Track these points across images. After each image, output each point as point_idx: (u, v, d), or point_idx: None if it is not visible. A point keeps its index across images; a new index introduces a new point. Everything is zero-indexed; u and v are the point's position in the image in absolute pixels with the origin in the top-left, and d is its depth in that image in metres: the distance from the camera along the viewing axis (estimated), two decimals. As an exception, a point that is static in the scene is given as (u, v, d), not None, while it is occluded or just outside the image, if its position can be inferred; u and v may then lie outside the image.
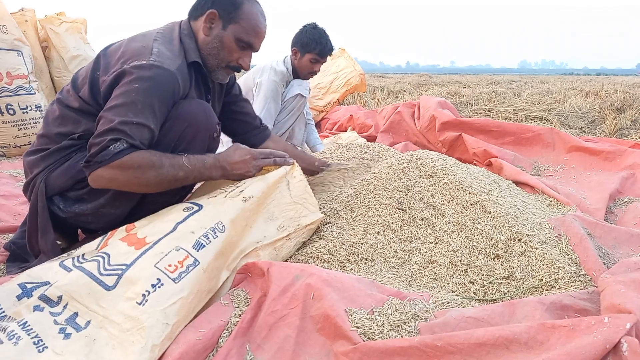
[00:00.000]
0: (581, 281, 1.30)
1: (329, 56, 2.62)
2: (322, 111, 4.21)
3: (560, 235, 1.52)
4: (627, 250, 1.49)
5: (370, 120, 3.66)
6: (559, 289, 1.28)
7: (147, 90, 1.29)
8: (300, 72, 2.61)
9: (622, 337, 0.81)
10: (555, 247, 1.45)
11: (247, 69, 1.64)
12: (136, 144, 1.28)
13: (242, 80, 2.60)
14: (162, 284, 1.06)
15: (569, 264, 1.36)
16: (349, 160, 2.09)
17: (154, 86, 1.31)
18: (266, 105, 2.44)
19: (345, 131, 3.65)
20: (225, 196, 1.35)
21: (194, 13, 1.53)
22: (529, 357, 0.87)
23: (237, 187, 1.39)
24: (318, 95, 4.19)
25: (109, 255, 1.14)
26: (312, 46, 2.52)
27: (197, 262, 1.13)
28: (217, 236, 1.21)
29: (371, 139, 3.36)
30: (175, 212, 1.28)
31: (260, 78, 2.49)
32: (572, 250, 1.44)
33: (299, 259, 1.45)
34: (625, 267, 1.25)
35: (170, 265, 1.10)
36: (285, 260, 1.43)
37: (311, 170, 1.97)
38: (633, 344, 0.79)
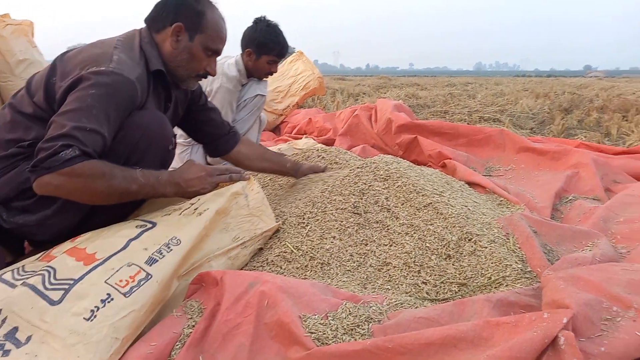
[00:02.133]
0: (527, 278, 1.35)
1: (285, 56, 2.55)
2: (281, 115, 4.21)
3: (508, 234, 1.58)
4: (570, 246, 1.56)
5: (329, 124, 3.69)
6: (506, 286, 1.33)
7: (103, 97, 1.26)
8: (256, 74, 2.49)
9: (559, 331, 0.85)
10: (503, 246, 1.51)
11: (214, 74, 1.64)
12: (88, 151, 1.24)
13: None
14: (112, 299, 1.04)
15: (516, 262, 1.41)
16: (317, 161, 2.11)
17: (111, 93, 1.28)
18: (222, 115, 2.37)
19: (303, 135, 3.67)
20: (180, 214, 1.34)
21: (155, 25, 1.50)
22: (475, 354, 0.90)
23: (192, 204, 1.38)
24: (277, 99, 4.19)
25: (54, 270, 1.10)
26: (270, 47, 2.38)
27: (150, 276, 1.12)
28: (171, 249, 1.20)
29: (330, 142, 3.39)
30: (127, 229, 1.26)
31: (211, 85, 2.37)
32: (519, 248, 1.50)
33: (254, 267, 1.45)
34: (567, 263, 1.32)
35: (121, 281, 1.08)
36: (241, 269, 1.43)
37: (283, 172, 2.01)
38: (569, 338, 0.83)
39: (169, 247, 1.20)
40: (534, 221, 1.65)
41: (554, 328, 0.85)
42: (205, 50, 1.52)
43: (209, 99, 2.37)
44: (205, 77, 1.63)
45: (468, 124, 4.89)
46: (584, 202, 2.11)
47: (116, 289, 1.07)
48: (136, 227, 1.27)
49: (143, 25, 1.55)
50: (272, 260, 1.45)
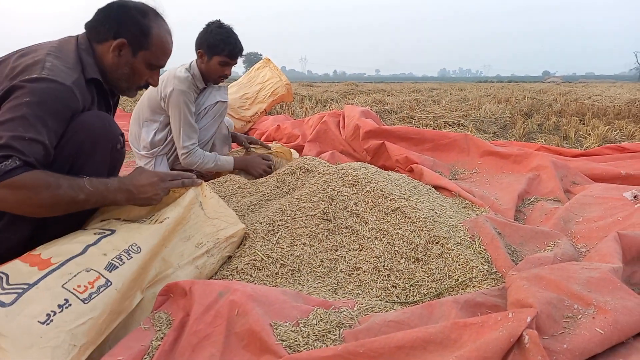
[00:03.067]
0: (493, 278, 1.39)
1: (240, 57, 2.45)
2: (249, 121, 4.19)
3: (474, 236, 1.61)
4: (533, 247, 1.61)
5: (298, 130, 3.70)
6: (473, 287, 1.36)
7: (39, 105, 1.21)
8: (209, 77, 2.42)
9: (523, 330, 0.88)
10: (469, 248, 1.54)
11: (155, 86, 1.62)
12: (30, 161, 1.18)
13: (147, 95, 2.45)
14: (70, 305, 1.01)
15: (482, 263, 1.45)
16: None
17: (46, 100, 1.23)
18: (182, 121, 2.29)
19: (272, 141, 3.66)
20: (139, 223, 1.31)
21: (97, 36, 1.45)
22: (444, 355, 0.92)
23: (152, 215, 1.36)
24: (245, 106, 4.17)
25: (7, 275, 1.05)
26: (221, 47, 2.32)
27: (110, 283, 1.09)
28: (131, 257, 1.17)
29: (299, 148, 3.39)
30: (84, 235, 1.22)
31: (164, 91, 2.30)
32: (484, 249, 1.54)
33: (224, 275, 1.43)
34: (530, 264, 1.36)
35: (79, 286, 1.05)
36: (210, 278, 1.41)
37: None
38: (533, 336, 0.86)
39: (129, 254, 1.17)
40: (498, 223, 1.69)
41: (519, 327, 0.88)
42: (148, 66, 1.49)
43: (165, 105, 2.34)
44: (147, 88, 1.61)
45: (434, 129, 5.00)
46: (545, 203, 2.18)
47: (74, 294, 1.03)
48: (94, 233, 1.23)
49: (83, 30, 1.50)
50: (242, 269, 1.44)
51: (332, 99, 8.97)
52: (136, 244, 1.21)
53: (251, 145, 2.78)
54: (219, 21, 2.41)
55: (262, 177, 2.37)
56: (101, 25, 1.44)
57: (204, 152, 2.39)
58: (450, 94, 9.99)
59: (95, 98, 1.43)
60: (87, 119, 1.33)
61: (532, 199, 2.29)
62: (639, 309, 0.99)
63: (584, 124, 5.36)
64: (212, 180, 2.29)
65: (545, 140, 4.28)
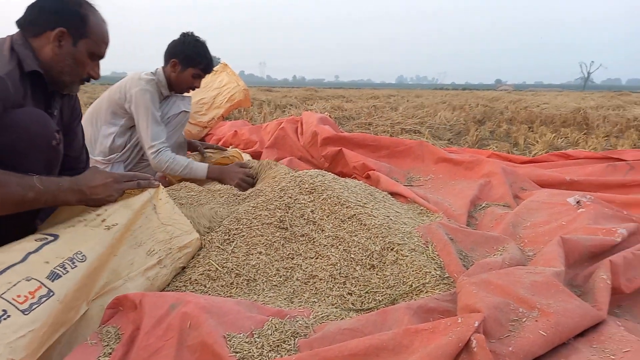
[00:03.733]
0: (445, 284, 1.43)
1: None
2: (206, 127, 4.12)
3: (427, 242, 1.65)
4: (483, 251, 1.67)
5: (255, 136, 3.67)
6: (426, 292, 1.39)
7: None
8: (178, 86, 2.42)
9: (471, 334, 0.90)
10: (423, 254, 1.57)
11: (97, 78, 1.57)
12: None
13: (106, 98, 2.38)
14: (9, 316, 0.96)
15: (435, 269, 1.48)
16: None
17: None
18: (149, 119, 2.23)
19: (229, 147, 3.62)
20: (85, 225, 1.26)
21: (32, 30, 1.40)
22: (396, 362, 0.94)
23: (98, 215, 1.30)
24: (201, 111, 4.10)
25: None
26: (198, 60, 2.35)
27: (52, 293, 1.04)
28: (76, 266, 1.12)
29: (256, 154, 3.37)
30: (25, 242, 1.16)
31: (130, 92, 2.25)
32: (437, 255, 1.57)
33: (177, 287, 1.40)
34: (479, 268, 1.41)
35: (19, 296, 1.00)
36: (162, 290, 1.37)
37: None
38: (480, 340, 0.89)
39: (73, 263, 1.12)
40: (451, 229, 1.74)
41: (467, 332, 0.90)
42: (90, 55, 1.46)
43: (131, 107, 2.27)
44: (89, 81, 1.56)
45: (391, 135, 5.10)
46: (496, 208, 2.26)
47: (13, 304, 0.98)
48: (35, 240, 1.17)
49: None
50: (196, 279, 1.42)
51: (291, 104, 8.98)
52: (81, 252, 1.16)
53: (207, 150, 2.74)
54: (194, 34, 2.42)
55: (240, 187, 2.32)
56: (37, 19, 1.40)
57: (175, 155, 2.33)
58: (408, 100, 10.22)
59: (29, 93, 1.36)
60: (20, 116, 1.27)
61: (483, 205, 2.36)
62: (579, 310, 1.05)
63: (532, 131, 5.60)
64: (167, 188, 2.24)
65: (496, 147, 4.44)
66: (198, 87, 2.46)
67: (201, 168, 2.34)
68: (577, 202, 2.06)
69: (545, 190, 2.46)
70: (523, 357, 0.92)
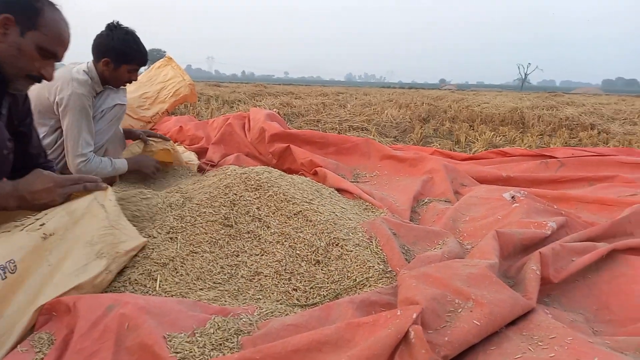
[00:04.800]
0: (388, 277, 1.46)
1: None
2: (150, 122, 3.98)
3: (371, 237, 1.68)
4: (424, 245, 1.72)
5: (201, 132, 3.60)
6: (369, 286, 1.42)
7: None
8: (114, 83, 2.30)
9: (410, 326, 0.93)
10: (367, 249, 1.61)
11: (50, 80, 1.47)
12: None
13: (35, 96, 2.22)
14: None
15: (378, 263, 1.52)
16: None
17: None
18: (82, 126, 2.12)
19: (174, 143, 3.53)
20: (22, 229, 1.19)
21: None
22: (338, 355, 0.95)
23: (37, 219, 1.24)
24: (144, 106, 3.95)
25: None
26: (132, 56, 2.23)
27: None
28: (5, 277, 1.06)
29: (202, 151, 3.31)
30: None
31: (61, 94, 2.10)
32: (380, 250, 1.61)
33: (116, 287, 1.35)
34: (420, 262, 1.45)
35: None
36: (103, 291, 1.32)
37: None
38: (418, 331, 0.92)
39: (4, 272, 1.06)
40: (394, 224, 1.78)
41: (405, 324, 0.93)
42: (38, 49, 1.36)
43: (60, 109, 2.13)
44: (39, 81, 1.45)
45: (339, 132, 5.15)
46: (438, 204, 2.34)
47: None
48: None
49: None
50: (136, 279, 1.37)
51: (239, 100, 8.86)
52: (13, 261, 1.10)
53: (150, 139, 2.65)
54: (121, 26, 2.27)
55: (154, 174, 2.47)
56: None
57: (100, 158, 2.23)
58: (356, 98, 10.34)
59: None
60: None
61: (425, 200, 2.44)
62: (510, 300, 1.11)
63: (473, 129, 5.83)
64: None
65: (439, 145, 4.60)
66: (135, 79, 2.35)
67: (122, 164, 2.31)
68: (512, 197, 2.17)
69: (483, 186, 2.57)
70: (458, 346, 0.97)
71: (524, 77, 70.00)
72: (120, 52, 2.18)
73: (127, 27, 2.25)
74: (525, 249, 1.64)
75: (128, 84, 2.38)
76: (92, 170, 2.16)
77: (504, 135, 5.34)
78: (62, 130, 2.20)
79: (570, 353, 0.95)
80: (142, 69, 2.50)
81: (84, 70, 2.19)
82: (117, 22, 2.26)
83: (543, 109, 7.49)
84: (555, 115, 6.60)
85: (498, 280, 1.18)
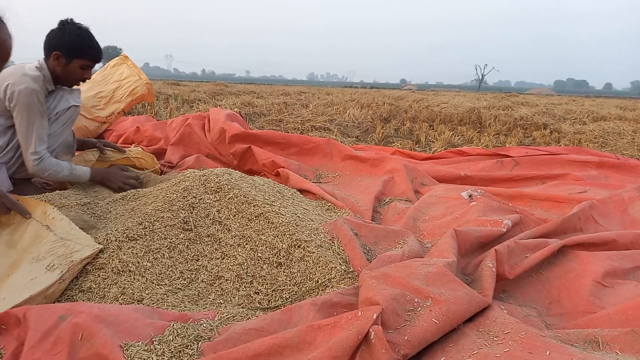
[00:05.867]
0: (350, 278, 1.47)
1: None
2: (105, 122, 3.84)
3: (333, 237, 1.69)
4: (385, 245, 1.74)
5: (160, 133, 3.51)
6: (332, 287, 1.42)
7: None
8: (66, 80, 2.20)
9: (370, 326, 0.94)
10: (329, 250, 1.61)
11: None
12: None
13: None
14: None
15: (340, 264, 1.53)
16: None
17: None
18: (35, 122, 2.02)
19: (131, 144, 3.43)
20: None
21: None
22: (299, 359, 0.95)
23: None
24: (99, 105, 3.80)
25: None
26: (84, 51, 2.13)
27: None
28: None
29: (161, 152, 3.22)
30: None
31: (12, 88, 2.00)
32: (342, 250, 1.62)
33: (69, 296, 1.30)
34: (381, 262, 1.47)
35: None
36: (56, 301, 1.27)
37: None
38: (378, 332, 0.93)
39: None
40: (355, 224, 1.80)
41: (366, 324, 0.94)
42: None
43: (12, 104, 2.03)
44: None
45: (301, 132, 5.15)
46: (398, 203, 2.37)
47: None
48: None
49: None
50: (90, 287, 1.32)
51: (199, 100, 8.71)
52: None
53: (107, 149, 2.56)
54: (74, 21, 2.18)
55: (122, 190, 2.23)
56: None
57: (57, 160, 2.14)
58: (318, 97, 10.36)
59: None
60: None
61: (387, 200, 2.47)
62: (467, 298, 1.14)
63: (433, 129, 5.96)
64: (57, 192, 2.06)
65: (400, 144, 4.67)
66: (89, 77, 2.25)
67: (84, 172, 2.22)
68: (470, 196, 2.23)
69: (442, 185, 2.63)
70: (417, 344, 0.98)
71: (481, 77, 72.09)
72: (72, 46, 2.09)
73: (80, 24, 2.17)
74: (482, 247, 1.69)
75: (82, 83, 2.28)
76: (45, 169, 2.07)
77: (462, 135, 5.48)
78: (14, 131, 2.10)
79: (524, 347, 0.98)
80: (96, 66, 2.41)
81: (35, 67, 2.09)
82: (70, 19, 2.17)
83: (499, 109, 7.73)
84: (510, 115, 6.82)
85: (455, 278, 1.21)
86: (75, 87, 2.30)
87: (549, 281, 1.51)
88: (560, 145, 4.92)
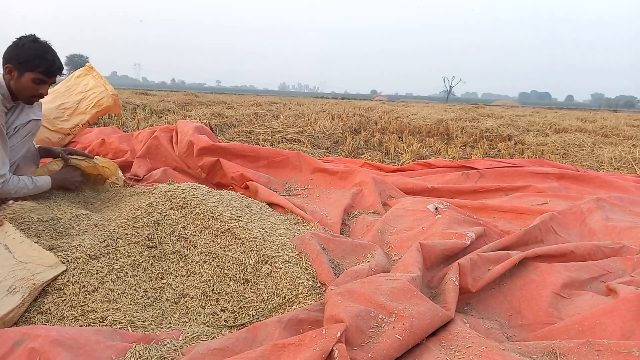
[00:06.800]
0: (317, 293, 1.47)
1: (59, 75, 2.16)
2: (69, 134, 3.76)
3: (301, 252, 1.69)
4: (353, 259, 1.76)
5: (126, 145, 3.44)
6: (299, 303, 1.42)
7: None
8: (20, 95, 2.10)
9: (334, 345, 0.95)
10: (296, 265, 1.61)
11: None
12: None
13: None
14: None
15: (307, 279, 1.53)
16: None
17: None
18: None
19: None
20: None
21: None
22: (264, 379, 0.95)
23: None
24: (63, 117, 3.72)
25: None
26: (35, 63, 2.03)
27: None
28: None
29: (127, 164, 3.16)
30: None
31: None
32: (310, 265, 1.62)
33: (27, 318, 1.26)
34: (348, 277, 1.48)
35: None
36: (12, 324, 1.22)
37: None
38: (342, 350, 0.94)
39: None
40: (323, 238, 1.81)
41: (330, 343, 0.95)
42: None
43: None
44: None
45: (271, 144, 5.15)
46: (367, 216, 2.40)
47: None
48: None
49: None
50: (49, 309, 1.28)
51: (168, 110, 8.60)
52: None
53: (72, 157, 2.48)
54: (33, 35, 2.10)
55: (78, 188, 2.35)
56: None
57: (19, 177, 2.06)
58: (290, 108, 10.38)
59: None
60: None
61: (355, 213, 2.49)
62: (430, 312, 1.16)
63: (402, 140, 6.05)
64: (19, 203, 1.98)
65: (370, 156, 4.72)
66: (45, 94, 2.15)
67: (46, 181, 2.17)
68: (435, 209, 2.27)
69: (409, 197, 2.67)
70: (381, 361, 0.99)
71: (449, 89, 73.75)
72: (23, 58, 2.00)
73: (37, 37, 2.10)
74: (447, 259, 1.73)
75: (37, 100, 2.19)
76: (10, 191, 2.00)
77: (430, 147, 5.58)
78: None
79: (484, 361, 1.01)
80: (58, 78, 2.34)
81: None
82: (32, 35, 2.11)
83: (466, 121, 7.92)
84: (476, 127, 7.00)
85: (419, 293, 1.23)
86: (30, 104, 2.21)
87: (511, 293, 1.55)
88: (524, 157, 5.08)
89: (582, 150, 5.46)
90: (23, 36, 2.08)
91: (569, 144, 5.80)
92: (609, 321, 1.26)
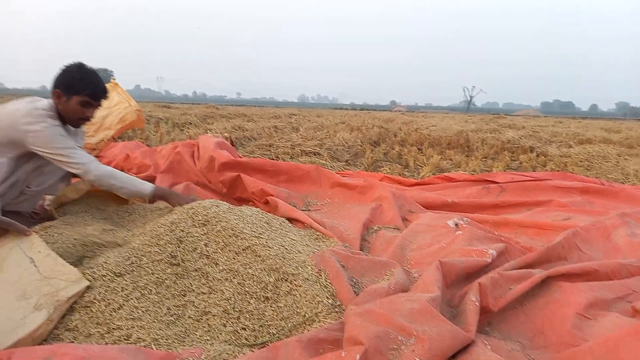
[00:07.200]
0: (337, 312, 1.48)
1: (104, 99, 2.28)
2: (95, 149, 3.86)
3: (320, 270, 1.70)
4: (372, 277, 1.76)
5: (149, 160, 3.52)
6: (319, 322, 1.43)
7: None
8: (68, 118, 2.21)
9: (353, 368, 0.95)
10: (316, 283, 1.62)
11: None
12: None
13: None
14: None
15: (327, 297, 1.53)
16: None
17: None
18: (72, 151, 2.08)
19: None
20: None
21: None
22: (284, 401, 0.96)
23: None
24: (89, 132, 3.82)
25: None
26: (81, 87, 2.15)
27: None
28: None
29: (150, 179, 3.23)
30: None
31: (33, 126, 2.02)
32: (330, 283, 1.63)
33: (55, 335, 1.29)
34: (368, 295, 1.48)
35: None
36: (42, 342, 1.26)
37: None
38: (361, 373, 0.94)
39: None
40: (342, 256, 1.81)
41: (349, 366, 0.95)
42: None
43: (33, 144, 2.05)
44: None
45: (291, 157, 5.19)
46: (386, 231, 2.40)
47: None
48: None
49: None
50: (76, 326, 1.32)
51: (190, 123, 8.75)
52: None
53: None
54: (80, 63, 2.23)
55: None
56: None
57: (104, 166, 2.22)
58: (309, 120, 10.46)
59: None
60: None
61: (375, 228, 2.49)
62: (450, 334, 1.15)
63: (422, 152, 6.03)
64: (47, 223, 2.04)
65: (389, 169, 4.71)
66: (91, 117, 2.25)
67: (144, 186, 2.27)
68: (456, 225, 2.26)
69: (429, 213, 2.66)
70: (401, 384, 0.99)
71: (469, 99, 73.15)
72: (70, 83, 2.14)
73: (84, 64, 2.23)
74: (468, 277, 1.71)
75: (83, 123, 2.29)
76: (101, 174, 2.15)
77: (450, 159, 5.54)
78: (11, 167, 2.10)
79: (506, 385, 1.00)
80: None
81: (42, 108, 2.12)
82: (79, 62, 2.24)
83: (486, 132, 7.85)
84: (497, 139, 6.93)
85: (438, 315, 1.23)
86: (82, 126, 2.33)
87: (533, 312, 1.53)
88: (546, 169, 5.00)
89: (607, 162, 5.35)
90: (70, 64, 2.20)
91: (593, 155, 5.69)
92: (635, 343, 1.23)
